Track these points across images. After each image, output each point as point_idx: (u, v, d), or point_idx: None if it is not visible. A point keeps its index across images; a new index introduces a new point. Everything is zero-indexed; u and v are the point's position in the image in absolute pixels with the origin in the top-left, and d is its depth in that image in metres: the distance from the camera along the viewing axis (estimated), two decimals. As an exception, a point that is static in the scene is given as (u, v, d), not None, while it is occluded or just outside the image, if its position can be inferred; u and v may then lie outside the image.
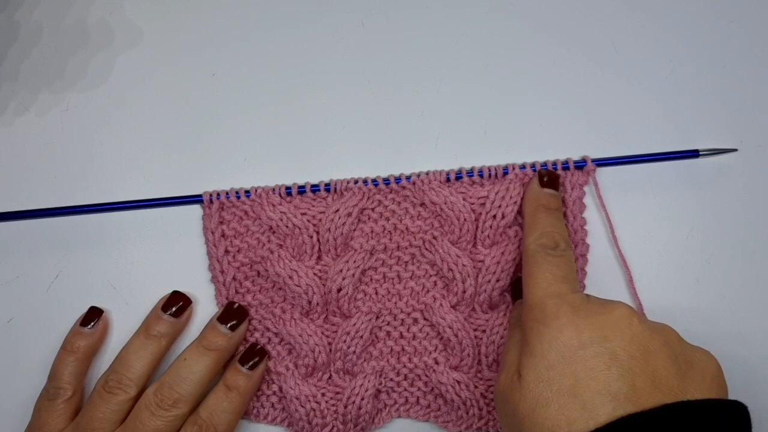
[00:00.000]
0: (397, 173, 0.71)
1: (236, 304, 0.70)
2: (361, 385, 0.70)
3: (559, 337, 0.56)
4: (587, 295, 0.60)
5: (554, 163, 0.69)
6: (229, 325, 0.69)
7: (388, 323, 0.71)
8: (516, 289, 0.70)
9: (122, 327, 0.72)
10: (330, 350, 0.71)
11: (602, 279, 0.71)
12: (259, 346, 0.70)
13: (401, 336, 0.71)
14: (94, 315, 0.71)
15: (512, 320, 0.68)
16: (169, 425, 0.65)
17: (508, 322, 0.69)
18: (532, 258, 0.63)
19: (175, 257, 0.73)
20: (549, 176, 0.68)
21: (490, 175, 0.70)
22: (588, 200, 0.71)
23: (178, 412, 0.65)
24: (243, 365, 0.69)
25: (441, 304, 0.70)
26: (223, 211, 0.71)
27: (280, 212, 0.70)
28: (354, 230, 0.70)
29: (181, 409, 0.65)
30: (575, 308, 0.58)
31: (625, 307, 0.58)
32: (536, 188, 0.68)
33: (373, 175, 0.71)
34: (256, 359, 0.69)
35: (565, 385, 0.55)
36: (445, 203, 0.69)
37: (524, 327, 0.60)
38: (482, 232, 0.69)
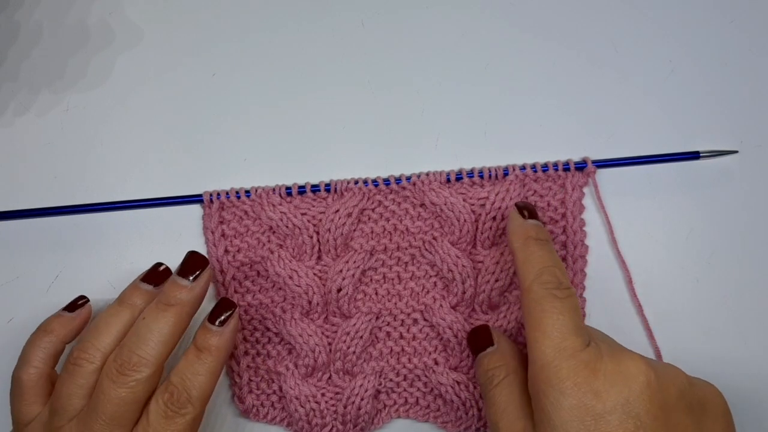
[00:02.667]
0: (397, 173, 0.72)
1: (196, 253, 0.66)
2: (361, 385, 0.71)
3: (580, 406, 0.55)
4: (596, 344, 0.58)
5: (555, 164, 0.70)
6: (190, 277, 0.64)
7: (388, 324, 0.72)
8: (474, 340, 0.69)
9: None
10: (330, 350, 0.71)
11: (602, 280, 0.72)
12: (228, 300, 0.66)
13: (401, 336, 0.72)
14: (78, 302, 0.69)
15: (483, 377, 0.65)
16: (133, 393, 0.60)
17: (477, 380, 0.67)
18: (538, 304, 0.59)
19: (175, 257, 0.72)
20: (527, 208, 0.66)
21: (490, 176, 0.70)
22: (588, 201, 0.72)
23: (139, 377, 0.60)
24: (213, 323, 0.64)
25: (441, 305, 0.71)
26: (223, 211, 0.72)
27: (280, 212, 0.70)
28: (354, 230, 0.71)
29: (143, 372, 0.60)
30: (592, 369, 0.56)
31: (639, 360, 0.57)
32: (520, 221, 0.65)
33: (373, 176, 0.72)
34: (227, 314, 0.65)
35: None
36: (445, 204, 0.70)
37: (536, 388, 0.57)
38: (482, 233, 0.70)
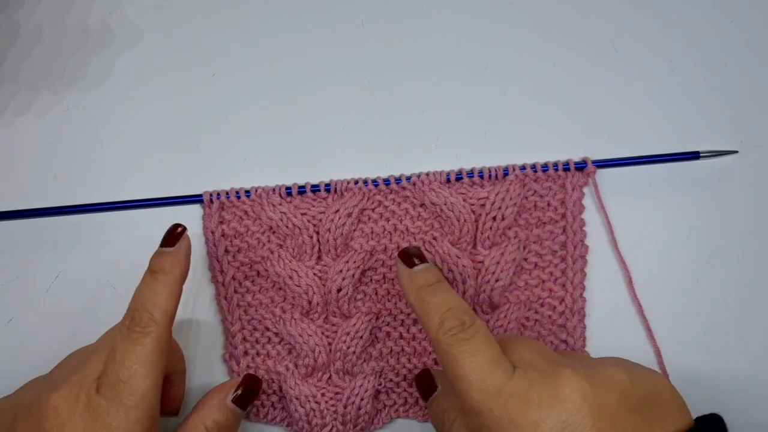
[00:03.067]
0: (397, 174, 0.72)
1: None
2: (361, 385, 0.71)
3: None
4: (523, 371, 0.57)
5: (555, 164, 0.70)
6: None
7: (388, 324, 0.72)
8: (422, 383, 0.69)
9: None
10: (330, 350, 0.72)
11: (602, 280, 0.72)
12: (178, 224, 0.67)
13: (401, 336, 0.72)
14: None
15: (436, 420, 0.66)
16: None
17: (431, 422, 0.67)
18: (447, 353, 0.57)
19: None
20: (411, 253, 0.64)
21: (490, 176, 0.70)
22: (588, 201, 0.72)
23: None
24: (165, 246, 0.66)
25: (441, 305, 0.71)
26: (223, 211, 0.72)
27: (280, 212, 0.71)
28: (354, 230, 0.71)
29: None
30: (523, 400, 0.55)
31: (571, 376, 0.56)
32: (406, 272, 0.64)
33: (373, 176, 0.72)
34: (178, 233, 0.66)
35: None
36: (445, 204, 0.70)
37: None
38: (482, 233, 0.70)
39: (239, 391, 0.69)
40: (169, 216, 0.73)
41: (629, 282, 0.72)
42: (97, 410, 0.59)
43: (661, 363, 0.71)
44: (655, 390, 0.57)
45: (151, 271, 0.64)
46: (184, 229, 0.66)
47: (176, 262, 0.64)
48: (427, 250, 0.71)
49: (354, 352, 0.71)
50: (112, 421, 0.59)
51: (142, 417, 0.59)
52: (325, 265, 0.71)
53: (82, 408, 0.59)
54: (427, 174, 0.71)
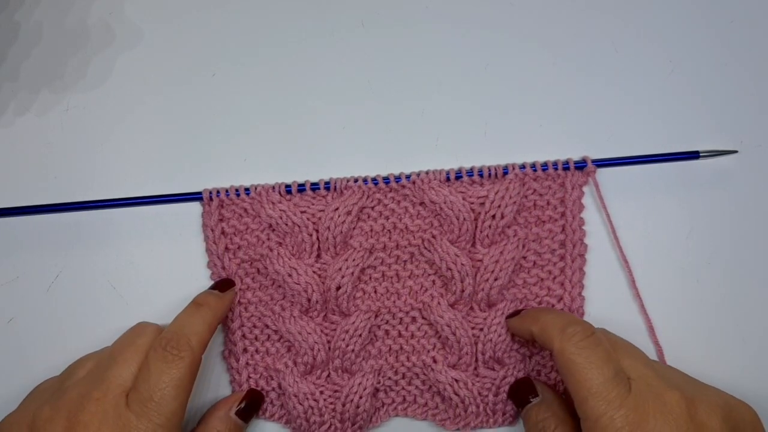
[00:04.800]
0: (397, 173, 0.73)
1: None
2: (360, 383, 0.72)
3: None
4: (635, 384, 0.62)
5: (554, 163, 0.72)
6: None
7: (387, 322, 0.74)
8: (516, 393, 0.72)
9: (123, 327, 0.73)
10: (329, 348, 0.73)
11: (602, 280, 0.74)
12: (229, 279, 0.73)
13: (400, 334, 0.74)
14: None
15: (532, 429, 0.69)
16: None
17: (525, 426, 0.70)
18: (571, 362, 0.63)
19: (175, 255, 0.75)
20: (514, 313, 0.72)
21: (489, 175, 0.72)
22: (588, 201, 0.74)
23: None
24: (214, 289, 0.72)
25: (439, 303, 0.73)
26: (223, 209, 0.73)
27: (280, 210, 0.72)
28: (353, 229, 0.73)
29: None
30: (641, 413, 0.60)
31: (680, 395, 0.61)
32: (516, 318, 0.71)
33: (373, 175, 0.73)
34: (227, 285, 0.73)
35: None
36: (445, 202, 0.71)
37: None
38: (481, 231, 0.72)
39: (242, 405, 0.72)
40: (168, 214, 0.75)
41: (632, 281, 0.73)
42: (127, 425, 0.63)
43: (662, 362, 0.72)
44: (748, 420, 0.63)
45: (197, 303, 0.70)
46: (232, 282, 0.74)
47: (221, 303, 0.71)
48: (426, 248, 0.73)
49: (353, 350, 0.73)
50: None
51: None
52: (324, 263, 0.73)
53: (111, 422, 0.63)
54: (427, 172, 0.72)
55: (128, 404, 0.63)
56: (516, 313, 0.72)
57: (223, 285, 0.72)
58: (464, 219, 0.71)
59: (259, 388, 0.74)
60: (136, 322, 0.72)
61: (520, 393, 0.71)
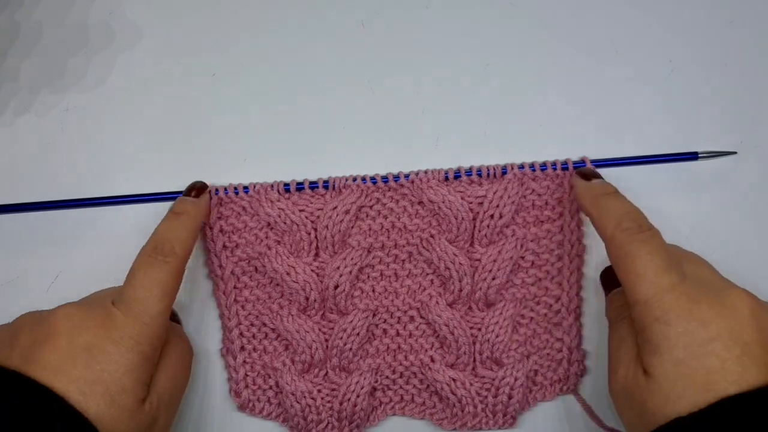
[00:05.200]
0: (396, 172, 0.74)
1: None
2: (357, 382, 0.73)
3: (686, 333, 0.58)
4: (694, 278, 0.61)
5: (554, 164, 0.72)
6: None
7: (385, 321, 0.74)
8: (607, 278, 0.72)
9: None
10: (326, 347, 0.74)
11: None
12: (200, 182, 0.74)
13: (397, 334, 0.74)
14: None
15: (611, 313, 0.69)
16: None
17: (606, 315, 0.70)
18: (622, 250, 0.62)
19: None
20: (587, 172, 0.70)
21: (488, 175, 0.72)
22: (587, 200, 0.74)
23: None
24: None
25: (437, 302, 0.73)
26: (222, 207, 0.74)
27: (278, 208, 0.72)
28: (352, 227, 0.73)
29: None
30: (694, 299, 0.59)
31: (742, 292, 0.61)
32: (583, 183, 0.69)
33: (372, 174, 0.74)
34: (200, 188, 0.73)
35: (698, 379, 0.57)
36: (443, 202, 0.72)
37: (641, 324, 0.60)
38: (479, 231, 0.72)
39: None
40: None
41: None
42: (113, 321, 0.63)
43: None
44: None
45: (175, 212, 0.70)
46: (206, 185, 0.73)
47: (198, 209, 0.72)
48: (424, 247, 0.73)
49: (350, 349, 0.73)
50: (126, 332, 0.63)
51: (152, 337, 0.64)
52: (322, 262, 0.73)
53: (97, 316, 0.64)
54: (426, 172, 0.73)
55: (114, 303, 0.64)
56: (586, 171, 0.71)
57: (197, 190, 0.73)
58: (462, 218, 0.72)
59: (256, 387, 0.75)
60: None
61: (608, 279, 0.71)
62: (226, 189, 0.73)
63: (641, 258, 0.61)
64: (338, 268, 0.72)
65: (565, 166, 0.72)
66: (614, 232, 0.63)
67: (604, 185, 0.69)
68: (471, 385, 0.73)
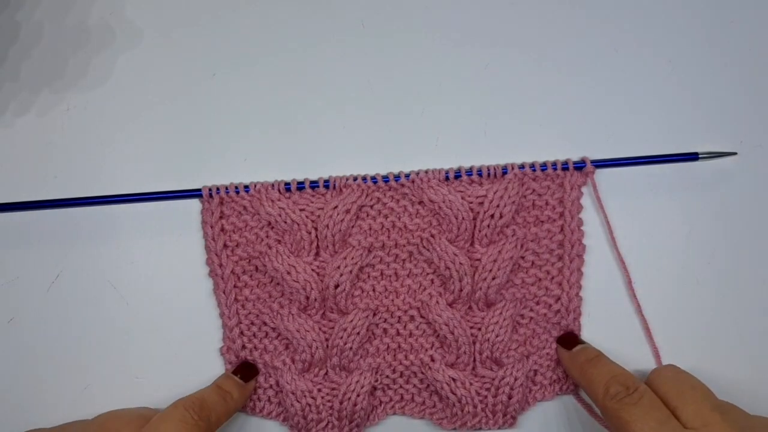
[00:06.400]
0: (396, 172, 0.75)
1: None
2: (357, 381, 0.74)
3: None
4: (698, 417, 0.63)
5: (553, 163, 0.73)
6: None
7: (385, 320, 0.75)
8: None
9: (122, 327, 0.76)
10: (327, 346, 0.75)
11: (601, 280, 0.75)
12: (253, 365, 0.75)
13: (398, 333, 0.75)
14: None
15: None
16: None
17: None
18: (617, 419, 0.64)
19: (175, 254, 0.76)
20: (567, 338, 0.74)
21: (488, 175, 0.73)
22: (587, 201, 0.75)
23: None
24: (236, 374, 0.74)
25: (437, 302, 0.74)
26: (222, 206, 0.75)
27: (279, 208, 0.73)
28: (352, 227, 0.74)
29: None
30: None
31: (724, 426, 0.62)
32: (566, 353, 0.73)
33: (372, 174, 0.75)
34: (249, 374, 0.75)
35: None
36: (444, 202, 0.73)
37: None
38: (480, 231, 0.73)
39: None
40: (168, 212, 0.76)
41: (628, 282, 0.74)
42: None
43: (659, 364, 0.74)
44: None
45: (222, 389, 0.72)
46: (257, 371, 0.75)
47: (243, 396, 0.73)
48: (424, 247, 0.74)
49: (351, 348, 0.74)
50: None
51: None
52: (323, 261, 0.74)
53: None
54: (426, 171, 0.73)
55: None
56: (568, 337, 0.74)
57: (245, 372, 0.75)
58: (463, 218, 0.73)
59: (256, 385, 0.75)
60: (136, 322, 0.75)
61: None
62: (227, 188, 0.74)
63: (636, 423, 0.63)
64: (339, 267, 0.73)
65: (565, 166, 0.73)
66: (604, 402, 0.66)
67: (586, 351, 0.72)
68: (471, 384, 0.74)
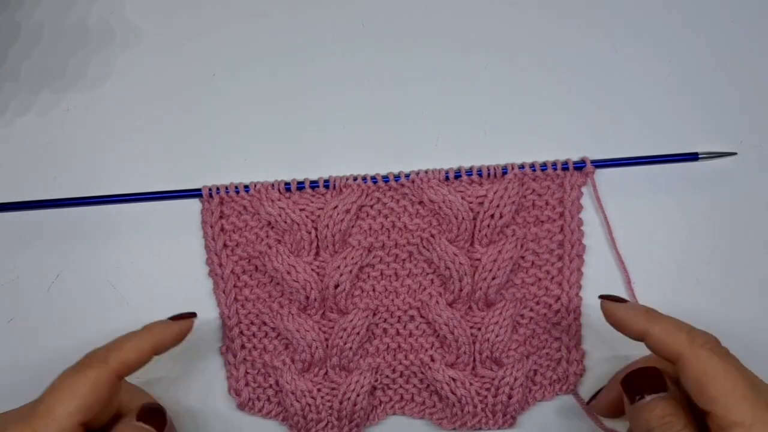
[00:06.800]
0: (396, 172, 0.75)
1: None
2: (357, 381, 0.74)
3: None
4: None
5: (553, 163, 0.74)
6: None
7: (385, 320, 0.75)
8: (631, 384, 0.64)
9: (122, 327, 0.73)
10: (326, 346, 0.75)
11: (601, 280, 0.75)
12: (189, 314, 0.72)
13: (397, 333, 0.75)
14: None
15: (653, 421, 0.61)
16: None
17: (641, 420, 0.62)
18: (711, 368, 0.59)
19: (175, 254, 0.76)
20: (613, 297, 0.69)
21: (489, 175, 0.74)
22: (587, 201, 0.75)
23: None
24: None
25: (437, 302, 0.74)
26: (222, 206, 0.75)
27: (279, 208, 0.74)
28: (352, 227, 0.74)
29: None
30: None
31: None
32: (625, 306, 0.67)
33: (372, 174, 0.75)
34: (182, 318, 0.72)
35: None
36: (444, 202, 0.73)
37: None
38: (480, 230, 0.74)
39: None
40: (168, 212, 0.76)
41: (628, 282, 0.75)
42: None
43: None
44: None
45: (146, 327, 0.69)
46: (192, 314, 0.73)
47: (163, 330, 0.69)
48: (424, 247, 0.74)
49: (350, 348, 0.74)
50: None
51: None
52: (323, 261, 0.75)
53: None
54: (426, 171, 0.74)
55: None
56: (610, 297, 0.69)
57: (179, 315, 0.72)
58: (463, 218, 0.73)
59: (256, 385, 0.76)
60: (136, 322, 0.73)
61: (645, 384, 0.63)
62: (227, 188, 0.74)
63: (736, 375, 0.59)
64: (338, 267, 0.73)
65: (565, 166, 0.73)
66: (695, 350, 0.60)
67: (641, 305, 0.68)
68: (471, 384, 0.74)
